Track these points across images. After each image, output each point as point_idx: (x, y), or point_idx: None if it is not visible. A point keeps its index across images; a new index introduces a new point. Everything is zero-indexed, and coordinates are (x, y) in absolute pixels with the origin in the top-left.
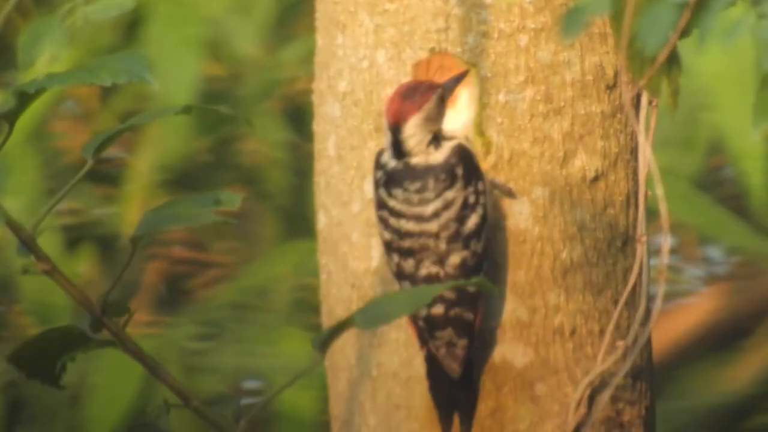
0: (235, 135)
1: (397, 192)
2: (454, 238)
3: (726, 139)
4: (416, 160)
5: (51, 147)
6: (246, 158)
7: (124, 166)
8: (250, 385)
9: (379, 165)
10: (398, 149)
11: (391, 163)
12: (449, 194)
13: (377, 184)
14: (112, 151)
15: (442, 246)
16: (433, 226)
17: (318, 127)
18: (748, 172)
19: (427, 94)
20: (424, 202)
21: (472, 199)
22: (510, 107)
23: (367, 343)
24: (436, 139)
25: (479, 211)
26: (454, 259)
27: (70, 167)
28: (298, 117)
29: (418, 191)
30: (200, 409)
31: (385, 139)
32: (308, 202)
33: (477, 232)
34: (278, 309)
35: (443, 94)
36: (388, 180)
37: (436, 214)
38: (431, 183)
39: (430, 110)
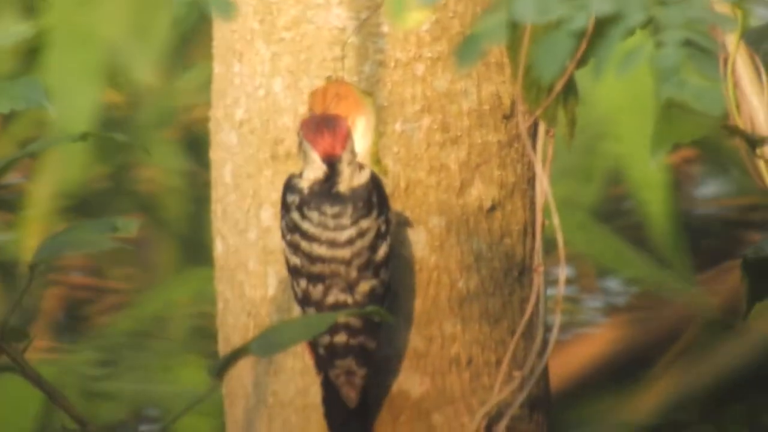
0: (133, 162)
1: (313, 215)
2: (365, 267)
3: (625, 169)
4: (343, 185)
5: None
6: (143, 185)
7: (22, 192)
8: (149, 412)
9: (293, 189)
10: (332, 179)
11: (313, 186)
12: (364, 223)
13: (289, 208)
14: (10, 177)
15: (353, 273)
16: (346, 253)
17: (215, 154)
18: (647, 201)
19: (344, 124)
20: (339, 228)
21: (383, 228)
22: (406, 136)
23: (263, 371)
24: (358, 165)
25: (388, 240)
26: (364, 287)
27: None
28: (196, 145)
29: (336, 216)
30: None
31: (303, 165)
32: (206, 230)
33: (386, 261)
34: (176, 336)
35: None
36: (304, 203)
37: (350, 241)
38: (349, 210)
39: (351, 134)
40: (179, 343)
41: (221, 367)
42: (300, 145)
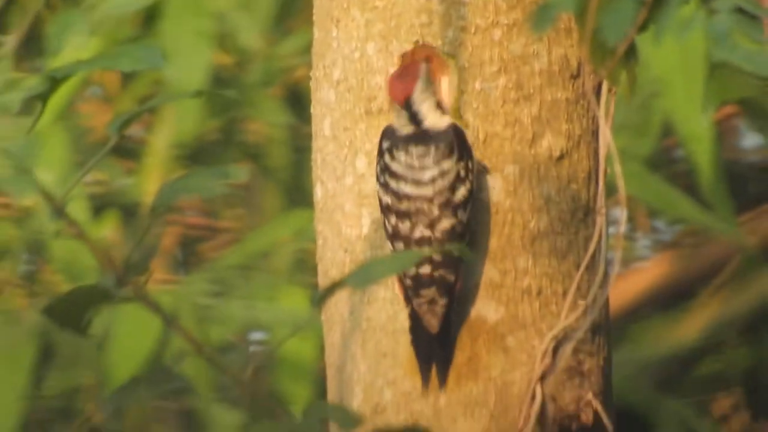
0: (241, 117)
1: (401, 156)
2: (445, 205)
3: (676, 123)
4: (427, 123)
5: (78, 126)
6: (250, 137)
7: (143, 143)
8: (255, 336)
9: (386, 135)
10: (415, 119)
11: (403, 130)
12: (446, 164)
13: (383, 153)
14: (132, 130)
15: (435, 211)
16: (428, 191)
17: (315, 110)
18: (695, 152)
19: (414, 67)
20: (423, 167)
21: (462, 173)
22: (485, 94)
23: (358, 300)
24: (439, 106)
25: (468, 185)
26: (444, 224)
27: (96, 144)
28: (297, 101)
29: (420, 157)
30: (211, 356)
31: (394, 117)
32: (306, 177)
33: (464, 204)
34: (279, 270)
35: (428, 69)
36: (394, 145)
37: (432, 180)
38: (432, 151)
39: (424, 77)
40: (283, 276)
41: (321, 297)
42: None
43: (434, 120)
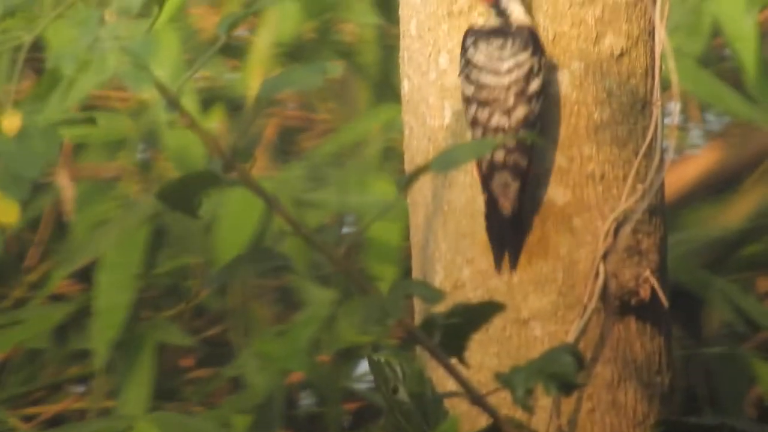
0: (335, 18)
1: (482, 47)
2: (520, 95)
3: (724, 25)
4: (513, 18)
5: (189, 27)
6: (344, 37)
7: (247, 42)
8: (348, 218)
9: (470, 32)
10: (503, 14)
11: (487, 25)
12: (521, 56)
13: (467, 48)
14: (238, 31)
15: (511, 99)
16: (505, 80)
17: (402, 12)
18: (741, 50)
19: None
20: (501, 59)
21: (536, 67)
22: None
23: (440, 184)
24: (521, 4)
25: (540, 79)
26: (519, 113)
27: (204, 44)
28: (386, 4)
29: (500, 48)
30: (309, 235)
31: (481, 18)
32: (394, 73)
33: (537, 95)
34: (370, 157)
35: None
36: (478, 39)
37: (509, 71)
38: (510, 43)
39: None
40: (373, 163)
41: (407, 181)
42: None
43: (519, 15)
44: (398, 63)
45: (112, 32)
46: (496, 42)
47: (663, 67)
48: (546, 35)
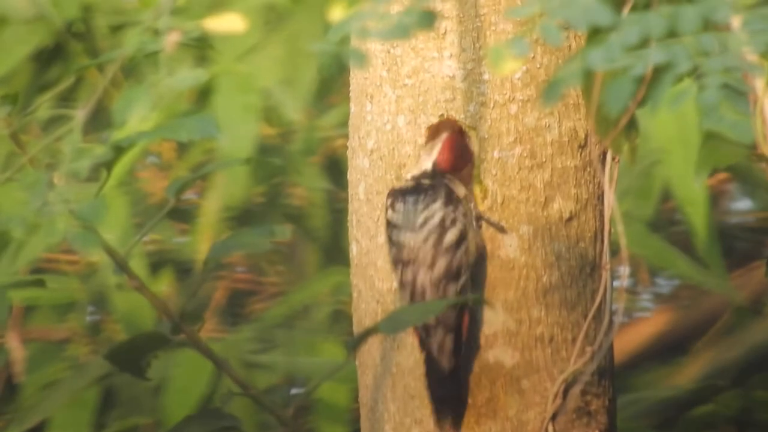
0: (285, 182)
1: (399, 206)
2: (437, 245)
3: (674, 188)
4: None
5: (138, 191)
6: (293, 201)
7: (196, 206)
8: (297, 381)
9: (389, 195)
10: (428, 177)
11: (403, 181)
12: (433, 207)
13: (386, 209)
14: (186, 194)
15: (429, 253)
16: (422, 235)
17: (351, 176)
18: (690, 214)
19: (468, 160)
20: (416, 212)
21: (449, 218)
22: (502, 161)
23: (389, 346)
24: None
25: (456, 230)
26: (440, 265)
27: (153, 207)
28: (335, 169)
29: (414, 203)
30: (258, 396)
31: (421, 164)
32: (343, 236)
33: (455, 246)
34: (319, 320)
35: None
36: (395, 200)
37: (423, 224)
38: (422, 197)
39: (463, 177)
40: (322, 326)
41: (356, 343)
42: (427, 141)
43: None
44: (347, 227)
45: (62, 195)
46: (411, 198)
47: (612, 230)
48: (494, 199)
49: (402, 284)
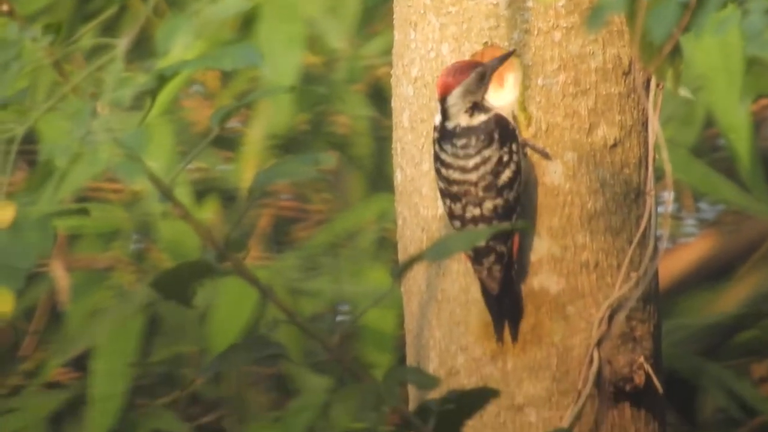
0: (329, 110)
1: (447, 147)
2: (489, 188)
3: (717, 115)
4: (453, 123)
5: (182, 120)
6: (337, 129)
7: (241, 134)
8: (342, 307)
9: (436, 128)
10: (444, 115)
11: (448, 124)
12: (486, 152)
13: (434, 142)
14: (231, 123)
15: (480, 193)
16: (473, 177)
17: (395, 104)
18: (734, 140)
19: (467, 72)
20: (467, 156)
21: (506, 158)
22: (546, 89)
23: (434, 273)
24: (475, 107)
25: (512, 167)
26: (489, 204)
27: (197, 136)
28: (379, 97)
29: (463, 147)
30: (303, 324)
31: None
32: (387, 164)
33: (509, 185)
34: (364, 247)
35: (484, 71)
36: (441, 138)
37: (475, 167)
38: (473, 141)
39: (469, 85)
40: (367, 253)
41: (401, 270)
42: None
43: (464, 121)
44: (391, 154)
45: (105, 124)
46: (460, 142)
47: (656, 157)
48: (539, 126)
49: (451, 214)
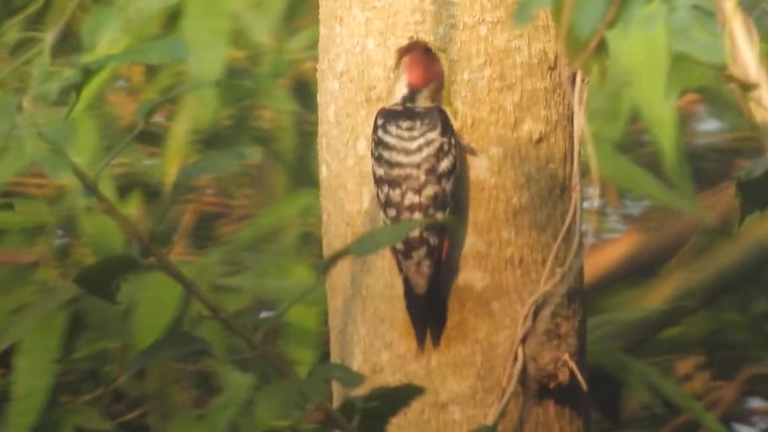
0: (253, 105)
1: (392, 129)
2: (430, 172)
3: (643, 110)
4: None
5: (107, 114)
6: (262, 124)
7: (165, 129)
8: (267, 304)
9: (380, 114)
10: (410, 103)
11: (393, 106)
12: (431, 135)
13: (377, 129)
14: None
15: (422, 177)
16: (416, 158)
17: (320, 99)
18: (659, 135)
19: (437, 65)
20: (411, 138)
21: (446, 147)
22: (472, 84)
23: (358, 269)
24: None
25: (451, 158)
26: (429, 190)
27: (122, 130)
28: (304, 92)
29: (408, 129)
30: (227, 320)
31: (395, 90)
32: (312, 159)
33: (447, 175)
34: (288, 243)
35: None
36: (387, 121)
37: (419, 149)
38: (418, 124)
39: (438, 81)
40: (291, 248)
41: (325, 265)
42: (397, 64)
43: (422, 105)
44: (316, 149)
45: (30, 119)
46: (405, 123)
47: (582, 152)
48: (465, 121)
49: (387, 202)
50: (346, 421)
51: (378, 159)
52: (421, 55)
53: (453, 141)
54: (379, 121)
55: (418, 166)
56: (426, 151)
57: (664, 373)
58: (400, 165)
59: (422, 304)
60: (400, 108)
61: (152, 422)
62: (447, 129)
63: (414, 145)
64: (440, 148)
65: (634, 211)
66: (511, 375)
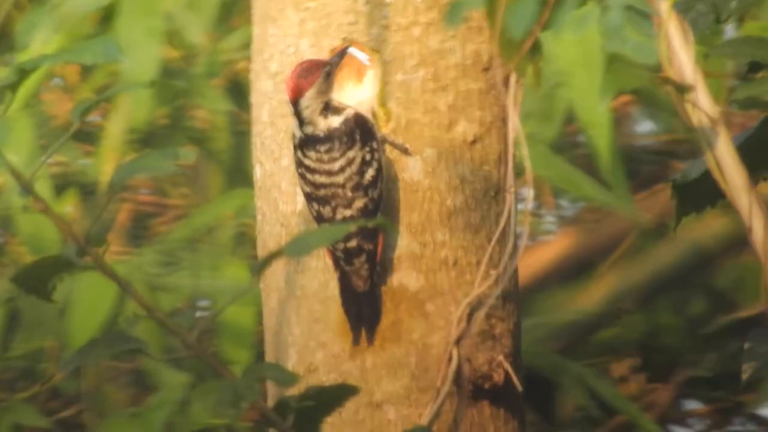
0: (188, 105)
1: (311, 153)
2: (356, 188)
3: (577, 111)
4: (311, 128)
5: (42, 114)
6: (196, 124)
7: (100, 128)
8: (201, 303)
9: (293, 135)
10: (299, 118)
11: (301, 131)
12: (350, 153)
13: (295, 148)
14: (91, 117)
15: (349, 194)
16: (340, 179)
17: (254, 99)
18: (594, 137)
19: (316, 73)
20: (332, 160)
21: (368, 157)
22: (406, 85)
23: (293, 269)
24: (328, 107)
25: (375, 165)
26: (358, 203)
27: (57, 129)
28: (238, 92)
29: (328, 152)
30: (162, 319)
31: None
32: (246, 159)
33: (373, 183)
34: (222, 242)
35: (330, 70)
36: (303, 145)
37: (341, 170)
38: (336, 145)
39: (320, 85)
40: (226, 248)
41: (260, 266)
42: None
43: (321, 123)
44: (250, 149)
45: None
46: (323, 147)
47: (516, 153)
48: (398, 122)
49: (319, 218)
50: (281, 420)
51: (302, 177)
52: (295, 70)
53: (374, 146)
54: (296, 142)
55: (342, 185)
56: (348, 171)
57: (600, 374)
58: (324, 186)
59: (358, 302)
60: (310, 131)
61: (88, 420)
62: (366, 137)
63: (336, 166)
64: (362, 161)
65: (568, 212)
66: (445, 376)
